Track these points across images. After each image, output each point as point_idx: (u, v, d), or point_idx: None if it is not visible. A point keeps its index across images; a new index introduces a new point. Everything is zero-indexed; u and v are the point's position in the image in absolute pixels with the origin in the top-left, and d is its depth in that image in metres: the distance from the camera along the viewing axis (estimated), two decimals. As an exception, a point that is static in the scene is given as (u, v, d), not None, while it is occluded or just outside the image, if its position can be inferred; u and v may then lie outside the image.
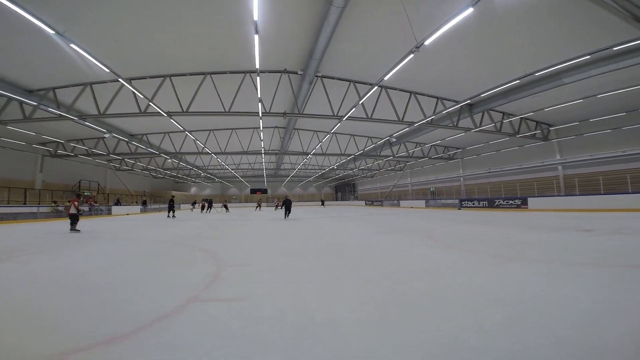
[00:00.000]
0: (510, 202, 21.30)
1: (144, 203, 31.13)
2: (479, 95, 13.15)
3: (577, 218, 12.17)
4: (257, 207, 36.60)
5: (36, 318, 2.67)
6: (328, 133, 19.29)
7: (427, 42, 7.17)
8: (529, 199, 20.26)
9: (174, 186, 50.74)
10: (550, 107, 15.54)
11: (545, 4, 8.36)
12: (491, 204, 22.73)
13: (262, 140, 20.75)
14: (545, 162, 22.46)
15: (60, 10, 7.98)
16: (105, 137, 18.44)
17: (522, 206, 20.31)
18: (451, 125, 16.31)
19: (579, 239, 6.56)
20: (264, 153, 24.22)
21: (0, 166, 20.07)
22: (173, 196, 23.81)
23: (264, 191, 53.23)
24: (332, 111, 13.84)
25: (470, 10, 6.07)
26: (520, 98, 13.91)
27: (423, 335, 2.21)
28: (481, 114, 16.73)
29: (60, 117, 13.16)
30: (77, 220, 10.19)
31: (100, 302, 3.02)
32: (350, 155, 25.84)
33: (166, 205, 24.22)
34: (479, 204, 24.02)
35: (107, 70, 9.38)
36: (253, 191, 53.37)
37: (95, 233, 10.02)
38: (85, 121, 14.37)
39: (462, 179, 31.45)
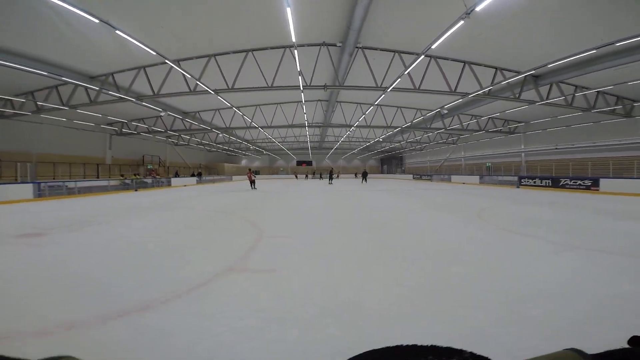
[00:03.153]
0: (579, 182, 18.46)
1: (199, 175, 33.49)
2: (545, 65, 11.21)
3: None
4: (305, 177, 47.87)
5: (88, 280, 3.04)
6: (372, 105, 18.44)
7: (478, 8, 6.16)
8: (601, 179, 17.31)
9: (226, 159, 53.64)
10: (634, 80, 12.80)
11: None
12: (555, 183, 19.98)
13: (305, 113, 20.63)
14: (624, 140, 18.97)
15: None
16: (161, 116, 19.81)
17: (592, 188, 17.51)
18: (512, 97, 14.36)
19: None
20: (307, 126, 24.18)
21: (76, 145, 23.08)
22: (332, 169, 34.28)
23: (309, 163, 53.86)
24: (375, 82, 13.08)
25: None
26: (598, 70, 11.59)
27: (442, 328, 2.04)
28: (548, 86, 14.39)
29: (121, 99, 14.36)
30: (254, 182, 18.87)
31: (146, 269, 3.33)
32: (396, 127, 24.60)
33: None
34: (540, 182, 21.30)
35: (154, 53, 9.82)
36: (299, 163, 54.34)
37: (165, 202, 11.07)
38: (143, 102, 15.45)
39: (523, 154, 28.17)
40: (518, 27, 10.09)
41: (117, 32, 7.89)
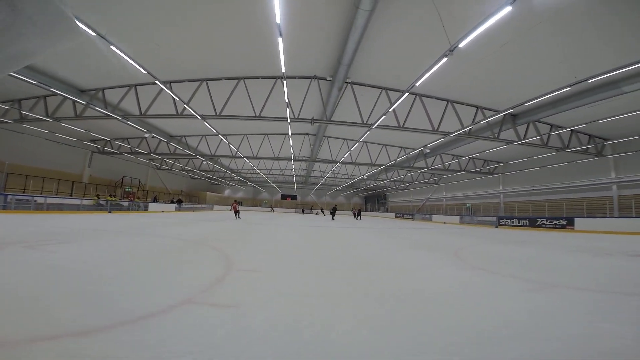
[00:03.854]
0: (555, 222, 19.41)
1: (179, 202, 32.59)
2: (522, 104, 12.01)
3: (632, 242, 10.79)
4: (302, 211, 49.25)
5: (28, 300, 2.70)
6: (357, 141, 18.97)
7: (461, 45, 6.71)
8: (575, 219, 18.35)
9: (209, 187, 52.85)
10: (606, 118, 13.67)
11: (592, 8, 7.57)
12: (532, 223, 20.88)
13: (291, 146, 20.92)
14: (598, 180, 20.20)
15: (105, 14, 8.42)
16: (145, 137, 19.61)
17: (567, 227, 18.48)
18: (492, 137, 15.20)
19: (632, 265, 5.80)
20: (293, 159, 24.41)
21: (54, 159, 22.30)
22: (336, 205, 36.32)
23: (294, 197, 53.68)
24: (362, 119, 13.55)
25: (509, 9, 5.56)
26: (572, 108, 12.56)
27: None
28: (526, 125, 15.38)
29: (107, 116, 14.16)
30: (238, 212, 20.22)
31: (96, 294, 3.00)
32: (381, 165, 25.23)
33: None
34: (518, 222, 22.14)
35: (145, 72, 9.94)
36: (284, 197, 54.07)
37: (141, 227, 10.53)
38: (128, 120, 15.36)
39: (501, 195, 29.30)
40: (498, 66, 10.90)
41: (112, 47, 8.04)
